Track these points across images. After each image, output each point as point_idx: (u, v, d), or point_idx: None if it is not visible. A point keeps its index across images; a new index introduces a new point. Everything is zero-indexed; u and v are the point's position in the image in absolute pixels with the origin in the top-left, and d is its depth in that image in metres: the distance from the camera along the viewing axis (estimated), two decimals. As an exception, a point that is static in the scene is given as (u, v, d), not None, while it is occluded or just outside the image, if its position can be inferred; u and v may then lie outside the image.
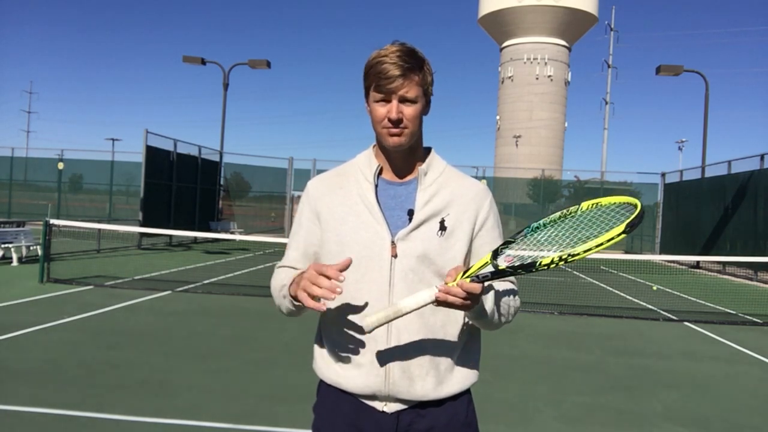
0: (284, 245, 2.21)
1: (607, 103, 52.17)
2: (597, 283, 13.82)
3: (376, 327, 1.43)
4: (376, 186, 1.65)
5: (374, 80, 1.55)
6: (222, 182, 23.47)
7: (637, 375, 5.85)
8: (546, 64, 57.47)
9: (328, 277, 1.40)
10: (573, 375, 5.74)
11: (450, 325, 1.61)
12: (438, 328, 1.58)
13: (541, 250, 1.49)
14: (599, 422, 4.47)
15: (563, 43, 58.11)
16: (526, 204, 28.37)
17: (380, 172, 1.67)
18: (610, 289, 12.88)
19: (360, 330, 1.55)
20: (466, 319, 1.62)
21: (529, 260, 1.42)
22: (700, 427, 4.47)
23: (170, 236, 18.60)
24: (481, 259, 1.48)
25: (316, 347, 1.71)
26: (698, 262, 19.88)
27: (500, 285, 1.62)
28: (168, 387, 4.75)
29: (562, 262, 1.36)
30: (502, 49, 60.83)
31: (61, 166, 25.06)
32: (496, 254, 1.47)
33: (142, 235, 16.93)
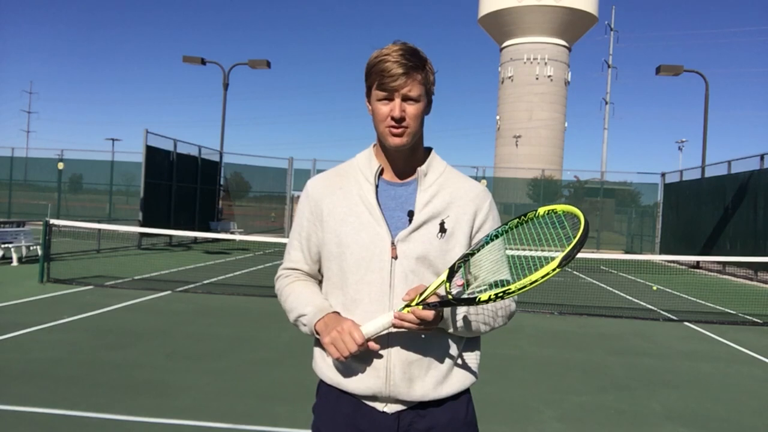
0: (284, 245, 2.21)
1: (607, 103, 52.17)
2: (597, 283, 13.81)
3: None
4: (377, 186, 1.65)
5: (377, 79, 1.55)
6: (222, 182, 23.46)
7: (637, 375, 5.85)
8: (546, 64, 57.44)
9: (356, 341, 1.48)
10: (573, 375, 5.74)
11: None
12: (437, 329, 1.58)
13: (488, 273, 1.57)
14: (599, 422, 4.47)
15: (563, 43, 58.07)
16: (526, 204, 28.35)
17: (381, 173, 1.67)
18: (610, 289, 12.88)
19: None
20: None
21: (469, 295, 1.51)
22: (700, 427, 4.47)
23: (170, 236, 18.59)
24: (437, 279, 1.51)
25: (315, 348, 1.71)
26: (698, 262, 19.88)
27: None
28: (168, 387, 4.75)
29: (499, 299, 1.41)
30: (502, 49, 60.80)
31: (61, 166, 25.04)
32: (452, 271, 1.50)
33: (142, 235, 16.93)
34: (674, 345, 7.35)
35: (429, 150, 1.72)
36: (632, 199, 33.25)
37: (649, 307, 10.37)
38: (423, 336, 1.58)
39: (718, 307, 10.84)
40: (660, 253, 22.22)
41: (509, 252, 1.59)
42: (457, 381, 1.63)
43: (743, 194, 17.31)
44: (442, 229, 1.61)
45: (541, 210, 1.53)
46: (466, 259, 1.54)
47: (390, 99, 1.55)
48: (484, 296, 1.42)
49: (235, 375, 5.17)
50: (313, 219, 1.69)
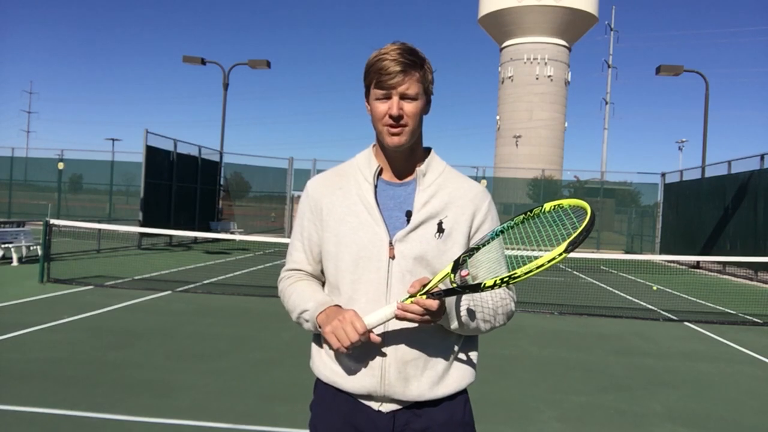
0: (284, 245, 2.21)
1: (607, 103, 52.18)
2: (597, 283, 13.81)
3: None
4: (375, 187, 1.65)
5: (375, 77, 1.55)
6: (222, 182, 23.47)
7: (637, 375, 5.85)
8: (546, 64, 57.41)
9: (357, 331, 1.46)
10: (573, 375, 5.74)
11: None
12: (434, 328, 1.58)
13: (487, 272, 1.57)
14: (599, 422, 4.47)
15: (563, 43, 58.05)
16: (526, 204, 28.36)
17: (380, 173, 1.67)
18: (610, 289, 12.88)
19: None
20: None
21: (476, 281, 1.51)
22: (699, 427, 4.47)
23: (170, 236, 18.60)
24: (441, 271, 1.50)
25: (313, 346, 1.72)
26: (698, 262, 19.88)
27: (486, 291, 1.57)
28: (168, 387, 4.75)
29: (504, 284, 1.41)
30: (502, 49, 60.77)
31: (61, 166, 25.05)
32: (456, 264, 1.49)
33: (142, 235, 16.93)
34: (674, 345, 7.35)
35: (428, 150, 1.72)
36: (632, 199, 33.28)
37: (649, 307, 10.37)
38: (420, 335, 1.57)
39: (718, 307, 10.84)
40: (660, 253, 22.22)
41: (512, 252, 1.59)
42: (454, 381, 1.63)
43: (743, 194, 17.31)
44: (440, 230, 1.61)
45: (547, 205, 1.53)
46: (471, 252, 1.53)
47: (388, 97, 1.55)
48: (489, 281, 1.41)
49: (235, 375, 5.17)
50: (314, 219, 1.69)
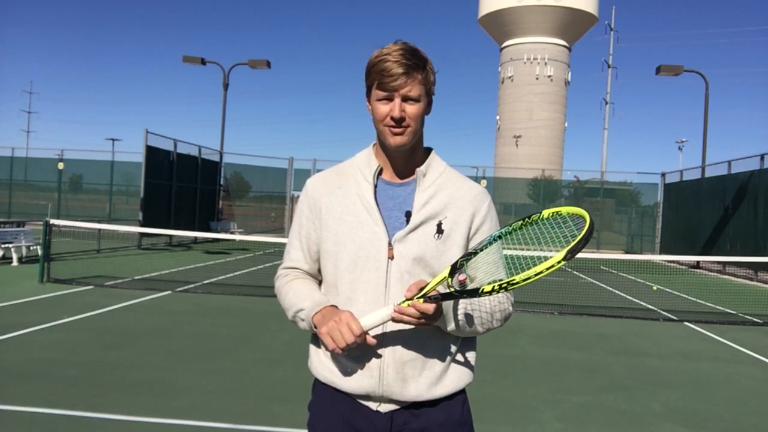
0: (284, 245, 2.21)
1: (607, 103, 52.18)
2: (597, 283, 13.81)
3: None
4: (375, 186, 1.65)
5: (377, 78, 1.55)
6: (222, 182, 23.47)
7: (637, 375, 5.85)
8: (546, 64, 57.40)
9: (353, 332, 1.45)
10: (573, 375, 5.74)
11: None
12: (432, 329, 1.57)
13: (485, 274, 1.57)
14: (599, 422, 4.47)
15: (563, 43, 58.04)
16: (526, 204, 28.36)
17: (380, 173, 1.67)
18: (610, 289, 12.88)
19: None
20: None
21: (474, 285, 1.52)
22: (699, 427, 4.47)
23: (170, 236, 18.60)
24: (439, 274, 1.50)
25: (311, 346, 1.72)
26: (698, 262, 19.88)
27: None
28: (168, 387, 4.75)
29: (503, 290, 1.41)
30: (502, 49, 60.76)
31: (61, 166, 25.05)
32: (454, 268, 1.49)
33: (142, 235, 16.93)
34: (674, 345, 7.35)
35: (429, 150, 1.72)
36: (632, 199, 33.27)
37: (649, 307, 10.37)
38: (418, 336, 1.57)
39: (718, 307, 10.84)
40: (660, 253, 22.22)
41: (509, 252, 1.59)
42: (452, 382, 1.63)
43: (743, 194, 17.31)
44: (439, 230, 1.60)
45: (546, 212, 1.53)
46: (469, 256, 1.53)
47: (390, 99, 1.55)
48: (487, 287, 1.41)
49: (235, 375, 5.17)
50: (312, 217, 1.68)
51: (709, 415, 4.78)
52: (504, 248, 1.62)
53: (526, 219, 1.55)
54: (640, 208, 29.29)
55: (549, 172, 30.12)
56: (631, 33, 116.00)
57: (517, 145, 57.48)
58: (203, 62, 23.40)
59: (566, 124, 60.82)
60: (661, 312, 9.81)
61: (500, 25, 58.76)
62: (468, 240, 1.64)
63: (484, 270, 1.58)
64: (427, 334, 1.58)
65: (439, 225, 1.61)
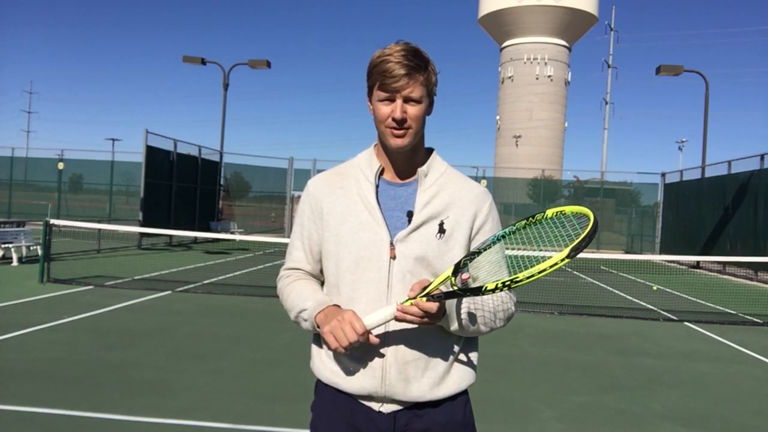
0: (284, 245, 2.21)
1: (607, 103, 52.18)
2: (597, 283, 13.81)
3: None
4: (377, 186, 1.65)
5: (378, 79, 1.54)
6: (222, 182, 23.47)
7: (637, 375, 5.85)
8: (546, 64, 57.40)
9: (356, 331, 1.45)
10: (573, 375, 5.74)
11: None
12: (434, 329, 1.57)
13: (487, 274, 1.57)
14: (599, 422, 4.47)
15: (563, 43, 58.04)
16: (526, 204, 28.37)
17: (381, 173, 1.67)
18: (610, 289, 12.88)
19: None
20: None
21: (476, 282, 1.52)
22: (699, 427, 4.47)
23: (170, 236, 18.60)
24: (442, 273, 1.50)
25: (313, 346, 1.71)
26: (698, 262, 19.88)
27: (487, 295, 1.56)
28: (168, 387, 4.75)
29: (506, 288, 1.40)
30: (502, 49, 60.77)
31: (61, 166, 25.04)
32: (457, 268, 1.49)
33: (142, 235, 16.93)
34: (674, 345, 7.35)
35: (430, 150, 1.72)
36: (632, 199, 33.26)
37: (649, 307, 10.37)
38: (420, 336, 1.57)
39: (718, 307, 10.84)
40: (660, 253, 22.22)
41: (512, 252, 1.59)
42: (455, 382, 1.63)
43: (743, 194, 17.31)
44: (441, 230, 1.60)
45: (550, 212, 1.53)
46: (472, 256, 1.52)
47: (391, 100, 1.55)
48: (491, 285, 1.41)
49: (235, 375, 5.18)
50: (314, 218, 1.68)
51: (709, 415, 4.78)
52: (508, 248, 1.61)
53: (530, 218, 1.55)
54: (640, 208, 29.29)
55: (549, 172, 30.11)
56: (631, 33, 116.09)
57: (517, 145, 57.49)
58: (203, 62, 23.39)
59: (566, 124, 60.84)
60: (661, 312, 9.81)
61: (500, 25, 58.76)
62: (470, 240, 1.64)
63: (487, 269, 1.58)
64: (430, 333, 1.57)
65: (441, 225, 1.61)
